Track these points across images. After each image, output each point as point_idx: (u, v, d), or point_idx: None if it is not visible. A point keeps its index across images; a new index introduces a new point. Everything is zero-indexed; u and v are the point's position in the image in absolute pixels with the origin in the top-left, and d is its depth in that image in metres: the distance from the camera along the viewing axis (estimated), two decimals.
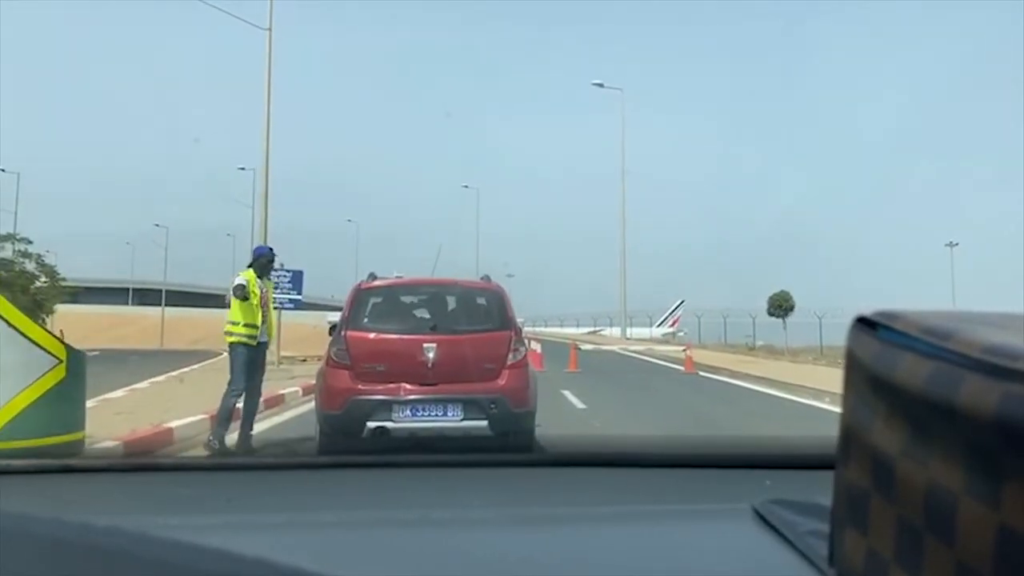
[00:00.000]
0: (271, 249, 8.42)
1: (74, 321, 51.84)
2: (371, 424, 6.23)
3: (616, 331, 47.14)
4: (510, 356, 6.55)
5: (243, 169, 30.69)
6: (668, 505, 1.19)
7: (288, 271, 16.66)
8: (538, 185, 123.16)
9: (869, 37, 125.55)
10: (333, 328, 6.87)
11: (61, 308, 49.38)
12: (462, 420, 6.27)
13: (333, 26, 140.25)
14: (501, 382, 6.44)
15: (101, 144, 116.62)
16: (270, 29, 23.48)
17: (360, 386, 6.34)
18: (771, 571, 0.82)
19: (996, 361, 0.43)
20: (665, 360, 23.73)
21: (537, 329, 55.82)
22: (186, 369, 18.79)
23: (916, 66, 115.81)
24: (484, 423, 6.25)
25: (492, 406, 6.28)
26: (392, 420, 6.26)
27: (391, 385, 6.35)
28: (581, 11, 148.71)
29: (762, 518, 0.94)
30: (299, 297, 16.74)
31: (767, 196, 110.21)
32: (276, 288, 15.96)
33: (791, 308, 36.79)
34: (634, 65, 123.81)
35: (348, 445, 6.11)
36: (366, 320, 6.74)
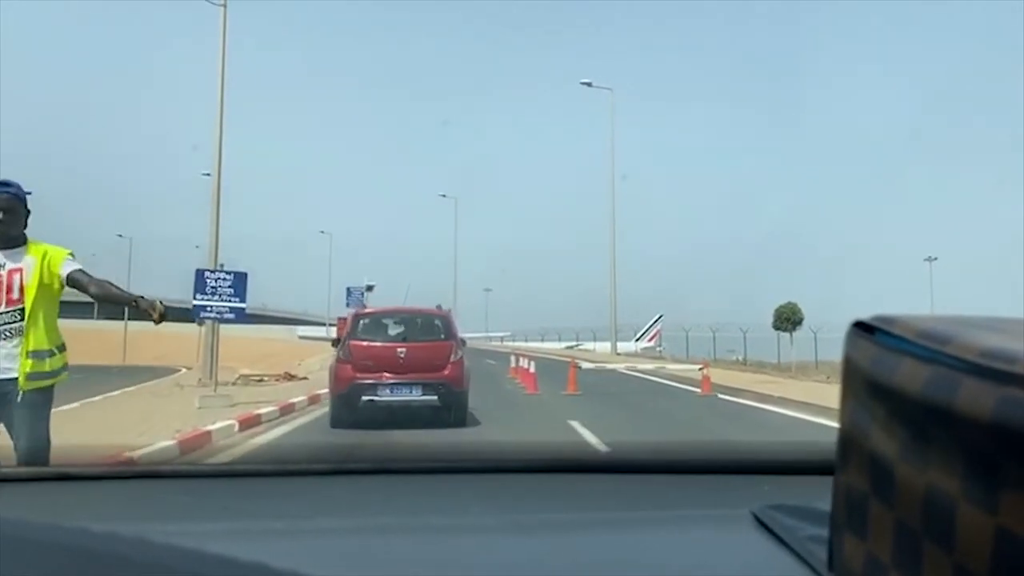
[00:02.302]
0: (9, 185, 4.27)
1: None
2: (364, 398, 10.12)
3: (599, 346, 45.29)
4: (452, 356, 10.33)
5: (207, 175, 27.54)
6: (666, 511, 1.17)
7: (229, 273, 12.71)
8: (523, 192, 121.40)
9: (869, 41, 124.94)
10: (337, 341, 11.22)
11: None
12: (421, 395, 10.18)
13: (320, 32, 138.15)
14: (446, 372, 10.20)
15: (63, 150, 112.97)
16: (224, 5, 21.47)
17: (358, 375, 10.08)
18: None
19: (993, 365, 0.43)
20: (673, 380, 20.97)
21: (518, 344, 53.83)
22: (115, 392, 15.82)
23: (913, 69, 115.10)
24: (435, 398, 10.23)
25: (440, 387, 10.18)
26: (377, 396, 10.12)
27: (377, 374, 10.10)
28: (575, 11, 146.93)
29: (761, 523, 0.93)
30: (242, 306, 12.50)
31: (757, 208, 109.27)
32: (214, 294, 12.61)
33: (799, 321, 34.12)
34: (624, 67, 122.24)
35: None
36: (360, 333, 10.57)
